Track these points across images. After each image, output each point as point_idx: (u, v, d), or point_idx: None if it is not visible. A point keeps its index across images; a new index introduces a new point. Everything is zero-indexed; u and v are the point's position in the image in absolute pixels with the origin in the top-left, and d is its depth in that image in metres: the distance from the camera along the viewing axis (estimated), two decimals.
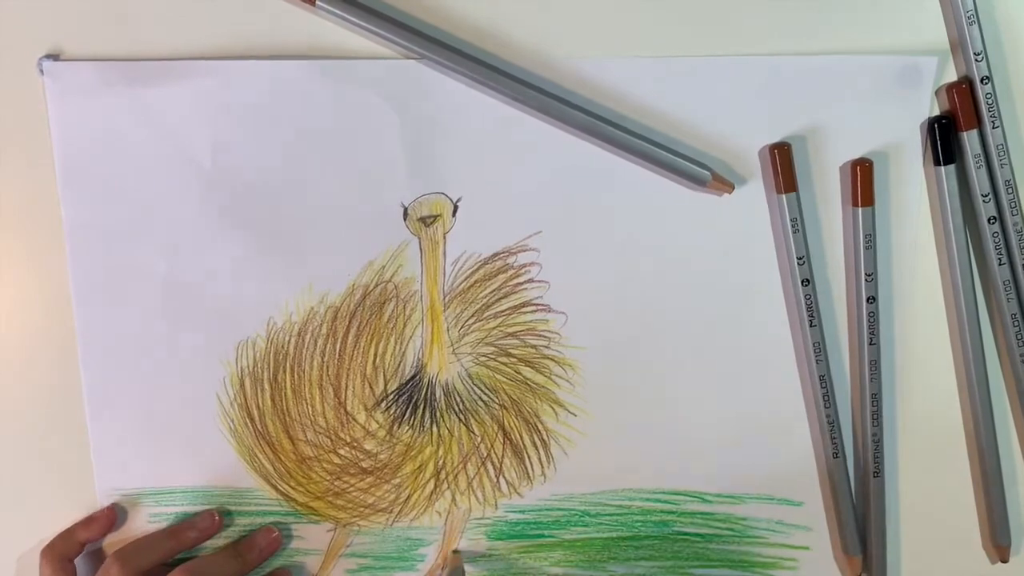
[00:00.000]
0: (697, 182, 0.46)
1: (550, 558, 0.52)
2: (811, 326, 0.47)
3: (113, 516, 0.51)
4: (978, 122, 0.45)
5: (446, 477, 0.51)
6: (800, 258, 0.46)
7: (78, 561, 0.50)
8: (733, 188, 0.46)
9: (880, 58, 0.45)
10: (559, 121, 0.46)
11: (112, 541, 0.52)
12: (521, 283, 0.49)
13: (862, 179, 0.45)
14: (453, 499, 0.51)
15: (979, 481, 0.50)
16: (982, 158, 0.45)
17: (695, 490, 0.51)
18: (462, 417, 0.50)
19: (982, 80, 0.44)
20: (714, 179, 0.46)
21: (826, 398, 0.48)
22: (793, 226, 0.46)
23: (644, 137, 0.46)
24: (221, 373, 0.49)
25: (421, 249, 0.48)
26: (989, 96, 0.44)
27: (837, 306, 0.48)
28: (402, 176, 0.47)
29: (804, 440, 0.50)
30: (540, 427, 0.50)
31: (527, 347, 0.49)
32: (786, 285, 0.48)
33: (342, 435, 0.50)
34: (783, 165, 0.45)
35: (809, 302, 0.47)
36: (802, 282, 0.46)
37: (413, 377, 0.50)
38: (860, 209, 0.46)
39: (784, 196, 0.46)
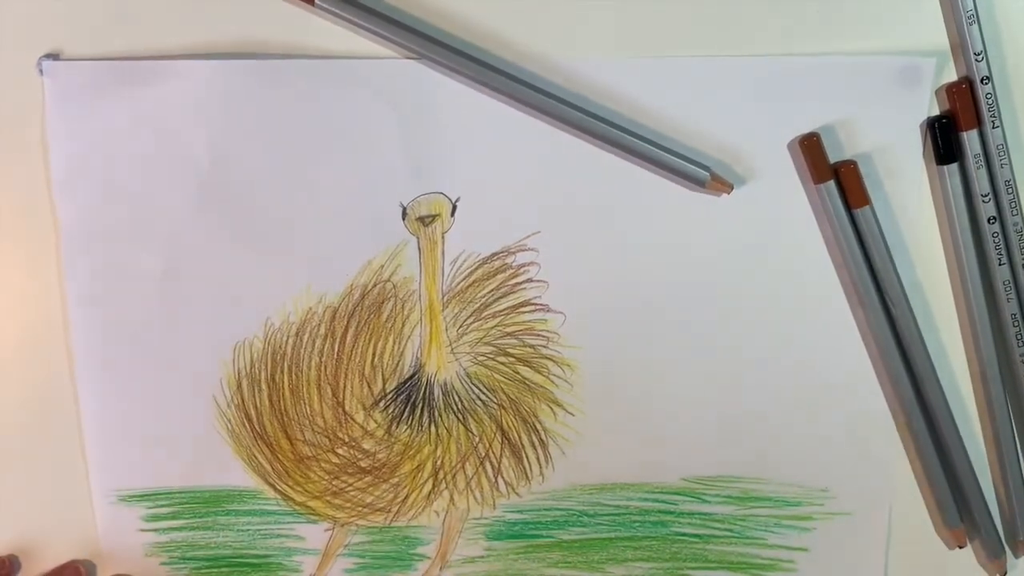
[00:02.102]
0: (696, 182, 0.46)
1: (548, 559, 0.52)
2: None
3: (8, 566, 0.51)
4: (978, 122, 0.44)
5: (444, 477, 0.51)
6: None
7: None
8: (732, 188, 0.46)
9: (879, 58, 0.45)
10: (559, 121, 0.46)
11: (110, 546, 0.52)
12: (520, 283, 0.49)
13: (814, 156, 0.45)
14: (451, 499, 0.51)
15: (997, 477, 0.50)
16: (982, 158, 0.45)
17: (694, 490, 0.51)
18: (460, 417, 0.50)
19: (982, 80, 0.44)
20: (713, 179, 0.46)
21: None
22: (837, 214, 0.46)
23: (643, 137, 0.46)
24: (218, 374, 0.49)
25: (420, 249, 0.48)
26: (989, 96, 0.44)
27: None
28: (401, 176, 0.47)
29: (804, 437, 0.50)
30: (538, 427, 0.50)
31: (525, 347, 0.49)
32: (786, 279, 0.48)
33: (340, 435, 0.50)
34: (815, 155, 0.45)
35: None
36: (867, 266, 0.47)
37: (411, 377, 0.50)
38: (857, 211, 0.46)
39: (823, 186, 0.45)
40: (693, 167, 0.46)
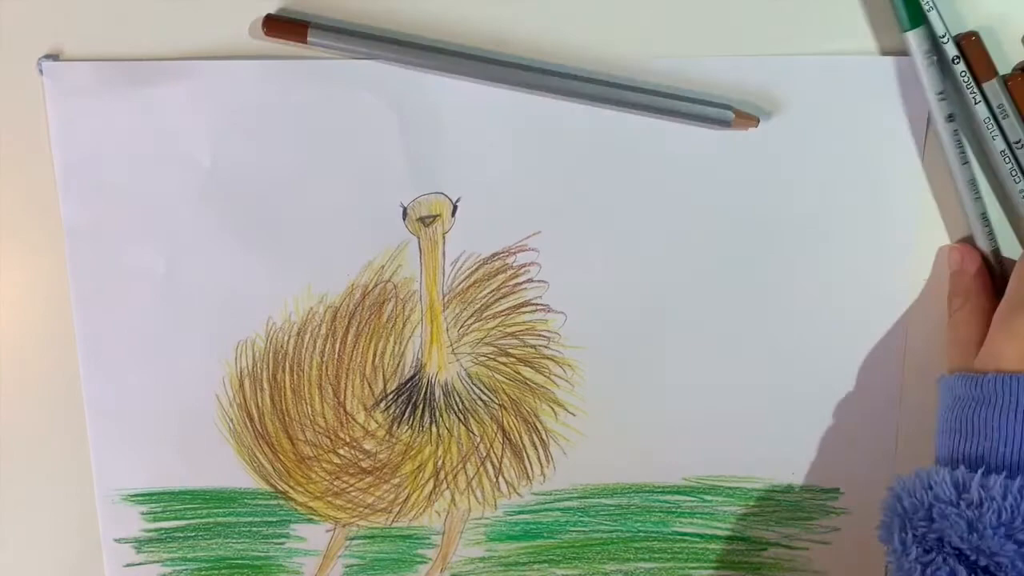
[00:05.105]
0: (720, 123, 0.45)
1: (549, 559, 0.52)
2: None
3: None
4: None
5: (445, 477, 0.51)
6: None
7: None
8: (758, 122, 0.45)
9: (880, 58, 0.45)
10: (567, 95, 0.45)
11: (112, 546, 0.52)
12: (520, 283, 0.49)
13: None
14: (452, 499, 0.51)
15: None
16: (1008, 107, 0.43)
17: (695, 490, 0.51)
18: (461, 417, 0.50)
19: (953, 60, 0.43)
20: (737, 116, 0.45)
21: None
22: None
23: (657, 91, 0.45)
24: (220, 373, 0.49)
25: (420, 249, 0.48)
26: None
27: None
28: (401, 176, 0.47)
29: (807, 437, 0.50)
30: (539, 427, 0.50)
31: (526, 347, 0.49)
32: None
33: (341, 435, 0.50)
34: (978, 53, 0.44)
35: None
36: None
37: (412, 377, 0.50)
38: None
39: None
40: (715, 109, 0.44)
